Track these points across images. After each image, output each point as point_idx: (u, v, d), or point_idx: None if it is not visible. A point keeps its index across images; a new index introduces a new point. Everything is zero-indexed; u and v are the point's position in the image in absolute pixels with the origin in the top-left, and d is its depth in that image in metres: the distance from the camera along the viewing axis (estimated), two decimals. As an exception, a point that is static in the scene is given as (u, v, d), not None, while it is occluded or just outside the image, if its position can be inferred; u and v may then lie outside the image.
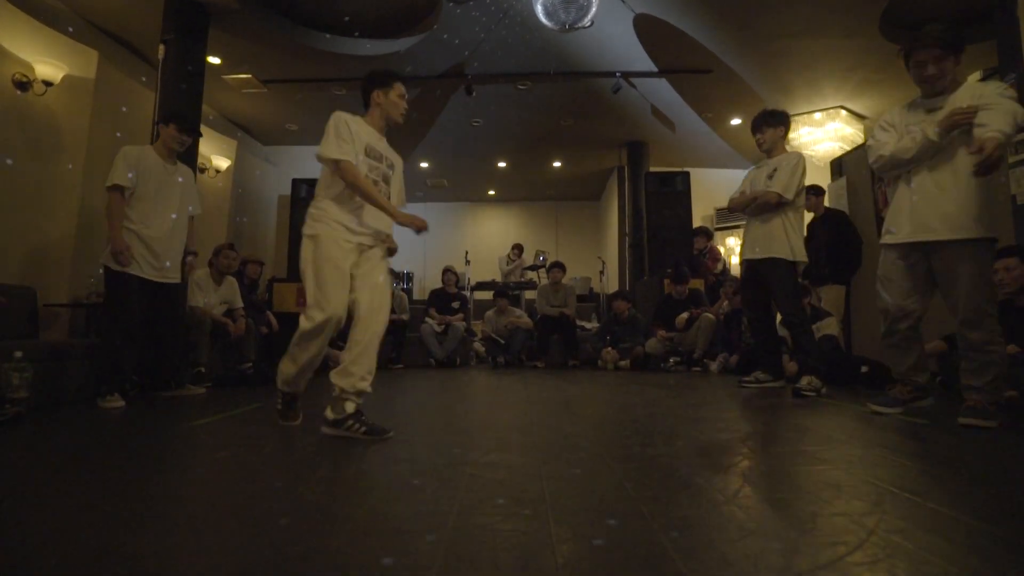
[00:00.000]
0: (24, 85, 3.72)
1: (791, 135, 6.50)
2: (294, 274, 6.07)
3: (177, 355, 3.10)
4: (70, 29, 4.06)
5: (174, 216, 2.90)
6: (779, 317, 3.24)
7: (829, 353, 3.61)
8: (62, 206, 3.90)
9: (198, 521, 1.04)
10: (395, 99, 2.05)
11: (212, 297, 3.88)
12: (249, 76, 5.59)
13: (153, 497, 1.21)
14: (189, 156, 4.22)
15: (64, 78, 3.91)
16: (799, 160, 3.01)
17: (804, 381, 2.85)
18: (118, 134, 4.32)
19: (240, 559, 0.84)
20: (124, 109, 4.30)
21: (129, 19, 4.51)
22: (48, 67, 3.80)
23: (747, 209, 3.13)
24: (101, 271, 2.77)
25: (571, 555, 0.84)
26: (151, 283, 2.82)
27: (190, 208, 3.05)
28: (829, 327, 3.81)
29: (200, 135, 3.25)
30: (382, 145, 2.08)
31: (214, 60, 5.13)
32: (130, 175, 2.72)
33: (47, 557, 0.86)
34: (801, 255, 2.99)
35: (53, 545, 0.91)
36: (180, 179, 2.96)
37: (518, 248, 7.90)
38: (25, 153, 3.70)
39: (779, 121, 3.12)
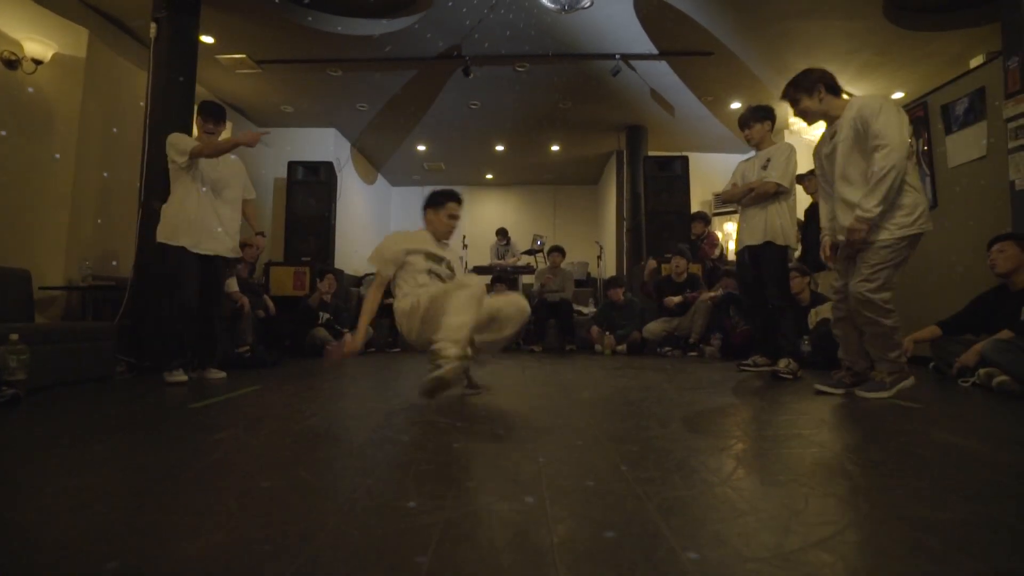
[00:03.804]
0: (13, 63, 3.66)
1: (791, 119, 6.48)
2: (291, 258, 6.06)
3: (213, 335, 3.13)
4: None
5: (223, 198, 3.04)
6: None
7: (825, 336, 3.63)
8: (54, 187, 3.86)
9: (197, 501, 1.05)
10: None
11: None
12: (243, 56, 5.49)
13: (152, 478, 1.21)
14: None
15: (54, 56, 3.84)
16: (792, 150, 3.12)
17: (782, 364, 2.97)
18: (113, 127, 4.26)
19: (240, 538, 0.85)
20: (117, 97, 4.22)
21: (119, -4, 4.42)
22: (37, 45, 3.72)
23: (742, 200, 3.23)
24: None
25: (567, 534, 0.85)
26: (201, 258, 2.93)
27: (247, 194, 3.24)
28: (826, 311, 3.83)
29: (225, 120, 3.35)
30: None
31: (207, 39, 5.03)
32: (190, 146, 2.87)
33: (46, 537, 0.87)
34: (792, 242, 3.14)
35: (51, 525, 0.92)
36: (224, 166, 3.09)
37: (503, 233, 7.77)
38: (15, 132, 3.65)
39: (765, 115, 3.24)
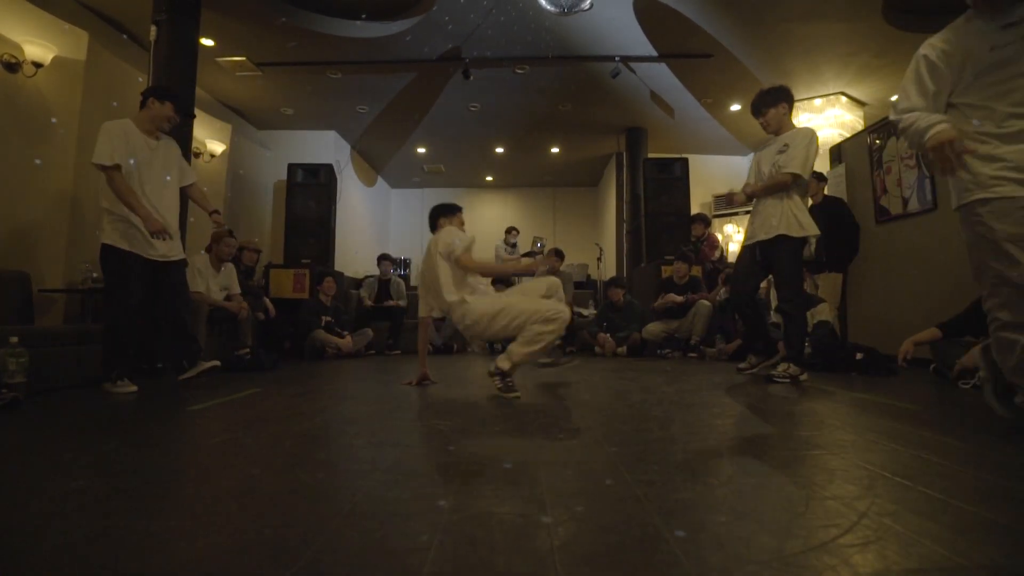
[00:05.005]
0: (13, 67, 3.66)
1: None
2: (291, 260, 6.06)
3: (189, 333, 2.98)
4: None
5: (163, 191, 2.80)
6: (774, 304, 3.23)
7: (824, 339, 3.63)
8: (54, 190, 3.86)
9: (197, 503, 1.05)
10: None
11: (212, 283, 3.92)
12: (243, 59, 5.50)
13: (151, 480, 1.21)
14: (183, 140, 4.17)
15: (54, 59, 3.85)
16: (813, 137, 2.81)
17: (780, 368, 2.83)
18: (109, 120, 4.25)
19: (239, 541, 0.85)
20: (115, 104, 4.21)
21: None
22: (37, 48, 3.73)
23: (761, 193, 2.93)
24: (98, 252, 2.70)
25: (566, 537, 0.85)
26: (153, 263, 2.74)
27: (185, 179, 2.97)
28: (823, 313, 3.83)
29: (193, 116, 3.17)
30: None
31: (207, 42, 5.05)
32: (117, 152, 2.64)
33: (44, 539, 0.87)
34: (812, 229, 2.79)
35: (50, 527, 0.91)
36: (162, 153, 2.83)
37: (514, 231, 7.70)
38: (16, 136, 3.65)
39: (778, 97, 2.92)
